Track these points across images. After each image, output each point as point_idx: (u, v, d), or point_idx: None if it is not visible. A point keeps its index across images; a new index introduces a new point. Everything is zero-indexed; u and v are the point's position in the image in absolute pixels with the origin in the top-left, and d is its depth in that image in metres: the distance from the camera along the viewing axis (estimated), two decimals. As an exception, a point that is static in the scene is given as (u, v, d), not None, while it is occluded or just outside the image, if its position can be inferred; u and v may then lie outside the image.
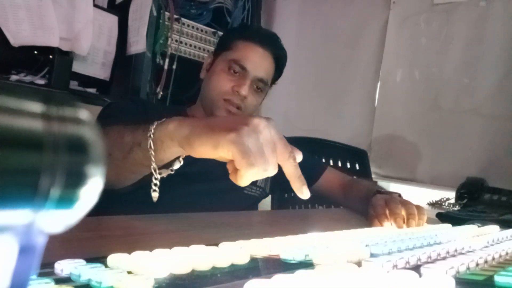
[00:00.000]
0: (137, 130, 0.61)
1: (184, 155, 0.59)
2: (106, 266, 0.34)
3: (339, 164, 1.57)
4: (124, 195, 0.68)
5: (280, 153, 0.52)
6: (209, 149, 0.51)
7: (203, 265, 0.37)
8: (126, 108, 0.97)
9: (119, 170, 0.63)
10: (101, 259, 0.35)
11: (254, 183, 1.06)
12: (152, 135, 0.57)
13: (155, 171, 0.58)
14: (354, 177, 1.27)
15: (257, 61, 0.99)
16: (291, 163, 0.53)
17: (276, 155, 0.51)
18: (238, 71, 0.98)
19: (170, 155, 0.58)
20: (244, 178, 0.50)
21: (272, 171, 0.51)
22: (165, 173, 0.59)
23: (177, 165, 0.59)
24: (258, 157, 0.49)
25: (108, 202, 0.59)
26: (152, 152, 0.57)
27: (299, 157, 0.56)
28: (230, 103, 0.98)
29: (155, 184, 0.58)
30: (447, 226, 0.77)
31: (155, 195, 0.59)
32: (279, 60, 1.05)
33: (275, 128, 0.52)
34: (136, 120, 0.93)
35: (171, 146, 0.56)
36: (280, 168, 1.17)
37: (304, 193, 0.53)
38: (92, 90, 1.66)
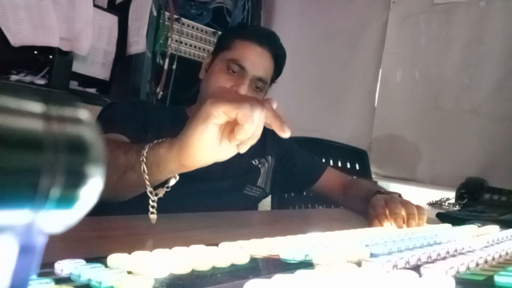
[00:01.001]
0: (130, 152, 0.60)
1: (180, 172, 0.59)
2: (106, 266, 0.34)
3: (339, 164, 1.57)
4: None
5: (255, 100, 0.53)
6: (202, 129, 0.51)
7: (203, 265, 0.37)
8: (125, 110, 0.97)
9: (114, 191, 0.62)
10: (101, 259, 0.35)
11: (254, 183, 1.06)
12: (145, 159, 0.56)
13: (151, 194, 0.57)
14: (354, 177, 1.27)
15: (256, 60, 0.99)
16: (268, 106, 0.53)
17: (253, 99, 0.52)
18: (236, 71, 0.98)
19: (167, 175, 0.58)
20: (246, 121, 0.49)
21: (262, 109, 0.51)
22: (161, 192, 0.59)
23: (172, 182, 0.59)
24: (243, 100, 0.49)
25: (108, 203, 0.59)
26: (146, 176, 0.57)
27: (274, 103, 0.57)
28: None
29: (152, 206, 0.57)
30: (447, 226, 0.77)
31: (153, 217, 0.58)
32: (278, 58, 1.05)
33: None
34: (135, 122, 0.93)
35: (168, 167, 0.56)
36: (277, 167, 1.17)
37: (285, 131, 0.53)
38: (92, 90, 1.66)
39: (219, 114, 0.49)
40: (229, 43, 1.01)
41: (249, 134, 0.50)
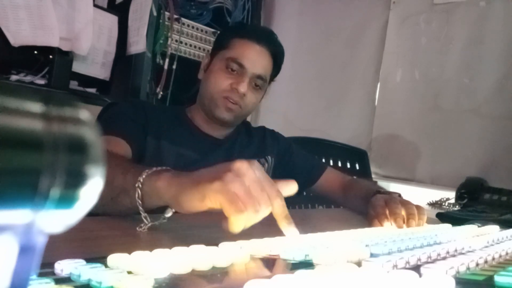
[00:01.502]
0: (128, 175, 0.59)
1: None
2: (106, 266, 0.34)
3: (339, 164, 1.57)
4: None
5: (269, 192, 0.51)
6: (197, 203, 0.50)
7: (203, 265, 0.37)
8: (125, 111, 0.97)
9: (108, 209, 0.61)
10: (101, 259, 0.35)
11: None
12: (140, 185, 0.56)
13: (146, 219, 0.57)
14: (354, 177, 1.27)
15: (255, 58, 0.99)
16: (278, 203, 0.51)
17: (266, 194, 0.50)
18: (236, 69, 0.98)
19: (157, 206, 0.57)
20: (236, 224, 0.48)
21: (264, 211, 0.49)
22: (158, 221, 0.58)
23: (169, 213, 0.57)
24: (246, 201, 0.48)
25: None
26: (140, 202, 0.56)
27: (292, 188, 0.55)
28: (229, 100, 0.97)
29: (144, 229, 0.56)
30: (447, 226, 0.77)
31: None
32: (277, 56, 1.05)
33: (259, 168, 0.51)
34: (135, 124, 0.93)
35: (158, 202, 0.56)
36: (276, 167, 1.17)
37: (291, 233, 0.52)
38: (92, 90, 1.66)
39: (216, 204, 0.48)
40: (228, 42, 1.01)
41: (237, 231, 0.49)
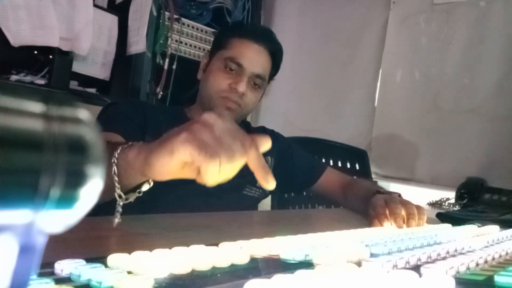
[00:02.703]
0: (106, 153, 0.58)
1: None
2: (106, 266, 0.34)
3: (339, 164, 1.57)
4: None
5: (242, 140, 0.47)
6: (167, 159, 0.47)
7: (203, 265, 0.37)
8: (123, 111, 0.97)
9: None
10: (101, 259, 0.35)
11: (253, 184, 1.06)
12: (116, 160, 0.54)
13: (119, 197, 0.54)
14: (354, 177, 1.27)
15: (253, 57, 0.99)
16: (253, 153, 0.48)
17: (239, 141, 0.47)
18: (234, 69, 0.98)
19: (135, 182, 0.55)
20: (209, 174, 0.44)
21: (240, 158, 0.46)
22: (132, 197, 0.56)
23: (145, 187, 0.55)
24: (218, 147, 0.45)
25: (108, 202, 0.59)
26: (116, 178, 0.54)
27: (266, 143, 0.51)
28: (229, 100, 0.97)
29: (118, 211, 0.54)
30: (447, 226, 0.77)
31: (117, 221, 0.54)
32: (275, 55, 1.05)
33: (230, 121, 0.48)
34: (133, 123, 0.93)
35: (133, 174, 0.54)
36: (276, 167, 1.17)
37: (269, 182, 0.48)
38: (92, 90, 1.66)
39: (186, 155, 0.45)
40: (226, 42, 1.01)
41: (213, 182, 0.46)
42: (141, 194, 0.55)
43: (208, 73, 1.01)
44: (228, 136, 0.46)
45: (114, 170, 0.54)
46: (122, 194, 0.55)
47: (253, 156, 0.48)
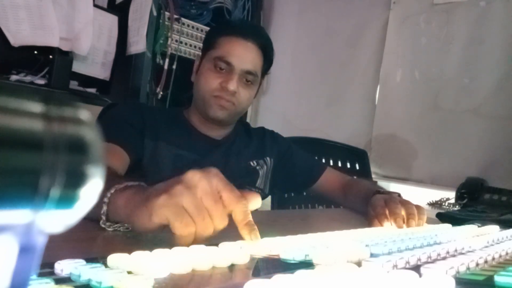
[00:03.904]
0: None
1: None
2: (106, 266, 0.34)
3: (339, 164, 1.57)
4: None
5: (227, 200, 0.46)
6: (146, 221, 0.46)
7: (203, 265, 0.37)
8: (122, 116, 0.98)
9: None
10: (101, 259, 0.35)
11: (253, 185, 1.06)
12: (107, 200, 0.53)
13: (104, 224, 0.54)
14: (354, 177, 1.27)
15: (242, 54, 0.98)
16: (240, 208, 0.46)
17: (220, 206, 0.45)
18: (224, 68, 0.97)
19: (122, 222, 0.55)
20: (182, 240, 0.44)
21: (219, 225, 0.45)
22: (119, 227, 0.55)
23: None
24: (195, 214, 0.44)
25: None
26: (104, 218, 0.53)
27: (256, 202, 0.50)
28: (221, 99, 0.97)
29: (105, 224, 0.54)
30: (447, 226, 0.77)
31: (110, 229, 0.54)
32: (265, 49, 1.03)
33: (218, 176, 0.47)
34: (132, 128, 0.94)
35: (120, 218, 0.53)
36: (276, 168, 1.17)
37: (253, 240, 0.46)
38: (92, 90, 1.66)
39: (163, 219, 0.44)
40: (214, 42, 1.01)
41: (186, 246, 0.44)
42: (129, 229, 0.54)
43: (200, 75, 1.01)
44: (209, 200, 0.45)
45: (104, 210, 0.53)
46: (106, 226, 0.54)
47: (239, 213, 0.46)
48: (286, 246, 0.44)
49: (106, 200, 0.53)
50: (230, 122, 1.06)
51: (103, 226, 0.54)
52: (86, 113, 0.16)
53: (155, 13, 1.71)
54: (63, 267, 0.33)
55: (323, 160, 1.55)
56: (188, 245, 0.43)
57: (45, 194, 0.14)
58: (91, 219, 0.54)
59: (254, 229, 0.47)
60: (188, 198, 0.44)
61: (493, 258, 0.46)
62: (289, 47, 2.20)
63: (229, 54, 0.97)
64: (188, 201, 0.44)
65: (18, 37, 1.41)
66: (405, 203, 0.78)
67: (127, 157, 0.88)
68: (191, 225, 0.44)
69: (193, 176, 0.45)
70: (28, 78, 1.45)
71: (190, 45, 1.85)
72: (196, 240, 0.45)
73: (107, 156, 0.78)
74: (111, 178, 0.61)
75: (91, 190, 0.16)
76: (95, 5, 1.64)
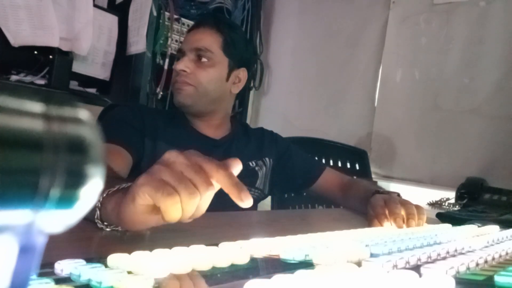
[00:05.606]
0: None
1: None
2: (106, 266, 0.34)
3: (339, 164, 1.57)
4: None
5: (208, 169, 0.46)
6: (131, 208, 0.45)
7: (203, 265, 0.37)
8: (123, 117, 0.98)
9: None
10: (101, 259, 0.35)
11: (252, 185, 1.06)
12: (99, 205, 0.53)
13: (102, 225, 0.54)
14: (354, 177, 1.27)
15: (190, 38, 1.02)
16: (221, 174, 0.46)
17: (202, 174, 0.45)
18: (180, 57, 1.01)
19: (116, 225, 0.54)
20: (169, 212, 0.43)
21: (204, 190, 0.44)
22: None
23: None
24: (177, 184, 0.43)
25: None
26: (98, 221, 0.53)
27: (237, 167, 0.49)
28: (176, 83, 0.99)
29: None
30: (447, 226, 0.77)
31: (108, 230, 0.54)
32: (220, 26, 1.00)
33: (197, 153, 0.47)
34: (133, 129, 0.94)
35: (112, 222, 0.53)
36: (275, 168, 1.17)
37: (244, 200, 0.46)
38: (92, 90, 1.66)
39: (146, 197, 0.44)
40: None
41: (176, 219, 0.44)
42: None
43: None
44: (190, 171, 0.44)
45: (97, 215, 0.53)
46: (104, 226, 0.54)
47: (222, 177, 0.46)
48: (286, 246, 0.44)
49: (98, 204, 0.53)
50: (202, 108, 1.01)
51: (101, 227, 0.54)
52: (86, 113, 0.16)
53: (155, 13, 1.71)
54: (63, 267, 0.33)
55: (323, 160, 1.55)
56: (177, 219, 0.43)
57: (45, 194, 0.14)
58: (90, 220, 0.54)
59: (243, 189, 0.46)
60: (167, 172, 0.44)
61: (493, 258, 0.46)
62: (289, 47, 2.20)
63: (182, 44, 1.05)
64: (167, 174, 0.44)
65: (18, 37, 1.41)
66: (405, 203, 0.78)
67: (130, 158, 0.89)
68: (173, 194, 0.43)
69: (170, 155, 0.46)
70: (28, 78, 1.45)
71: (190, 45, 1.85)
72: (185, 213, 0.44)
73: (110, 157, 0.78)
74: (109, 181, 0.60)
75: (91, 190, 0.16)
76: (95, 5, 1.64)
